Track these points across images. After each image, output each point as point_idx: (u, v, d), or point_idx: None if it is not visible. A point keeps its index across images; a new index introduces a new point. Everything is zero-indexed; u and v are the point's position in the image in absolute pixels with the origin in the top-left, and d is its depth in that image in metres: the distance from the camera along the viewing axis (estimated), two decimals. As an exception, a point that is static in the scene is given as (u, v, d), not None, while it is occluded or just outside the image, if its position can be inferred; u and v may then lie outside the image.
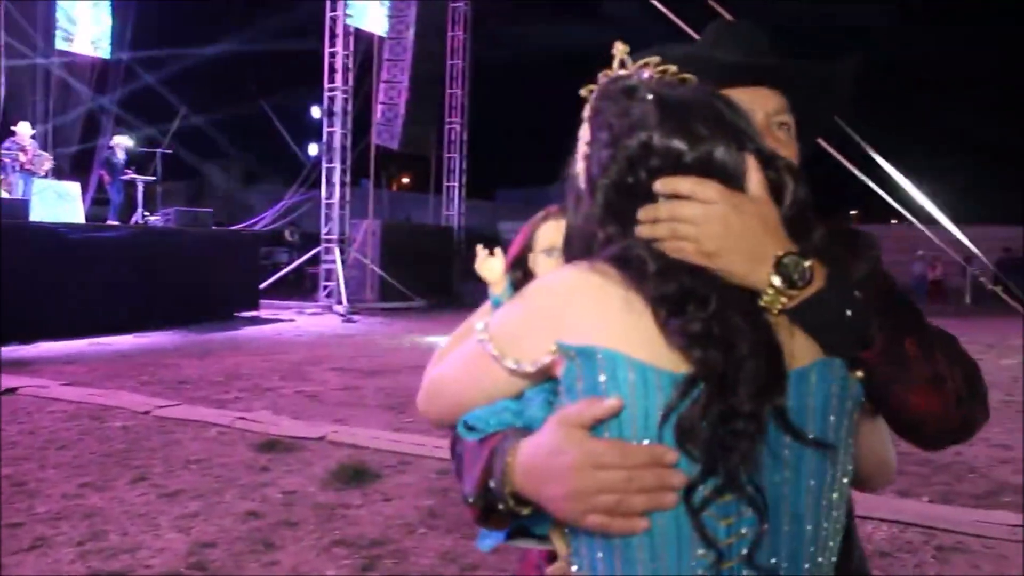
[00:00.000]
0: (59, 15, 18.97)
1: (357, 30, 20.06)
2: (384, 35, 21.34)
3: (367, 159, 21.25)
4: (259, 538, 4.37)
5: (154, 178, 18.19)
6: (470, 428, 1.14)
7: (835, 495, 1.04)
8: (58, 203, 14.23)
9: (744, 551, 0.98)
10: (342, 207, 19.37)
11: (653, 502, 0.95)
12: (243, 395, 8.36)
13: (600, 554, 1.01)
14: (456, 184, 23.29)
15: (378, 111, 21.22)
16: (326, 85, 19.27)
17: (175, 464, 5.69)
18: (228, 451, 6.07)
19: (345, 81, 19.29)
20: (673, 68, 1.08)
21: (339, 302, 18.09)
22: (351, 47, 19.52)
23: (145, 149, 18.91)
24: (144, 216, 16.88)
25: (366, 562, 4.10)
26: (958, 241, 9.10)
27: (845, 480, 1.06)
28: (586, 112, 1.09)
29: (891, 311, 1.08)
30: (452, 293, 21.14)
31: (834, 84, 1.37)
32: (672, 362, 0.96)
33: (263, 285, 18.02)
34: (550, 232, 1.32)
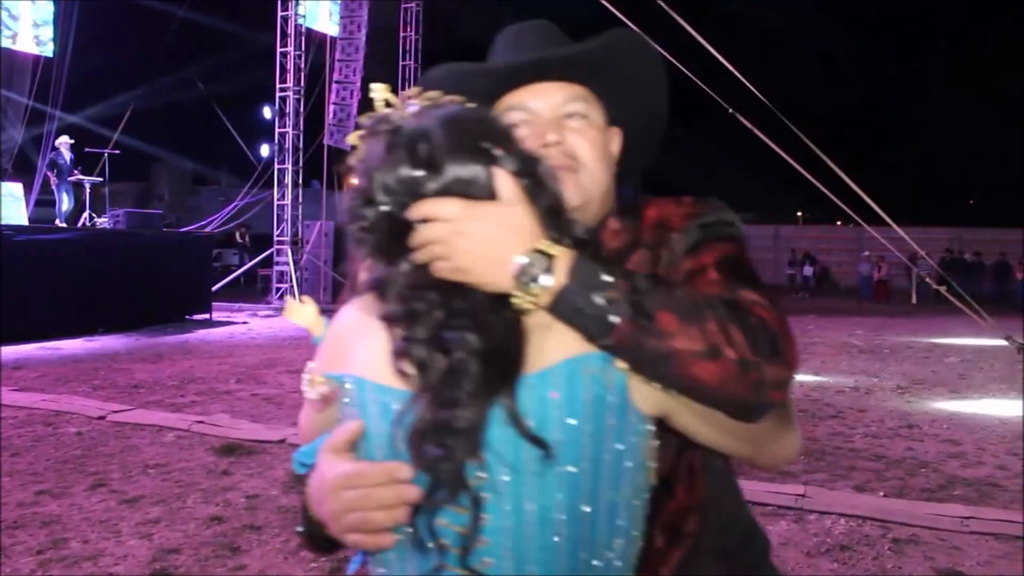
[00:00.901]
0: (0, 12, 18.49)
1: (309, 30, 19.91)
2: (336, 35, 21.19)
3: (319, 160, 21.10)
4: (224, 543, 4.33)
5: (101, 179, 17.82)
6: (303, 464, 1.19)
7: (602, 492, 1.03)
8: (0, 204, 13.87)
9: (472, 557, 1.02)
10: (294, 208, 19.22)
11: (392, 517, 1.01)
12: (199, 399, 8.24)
13: (368, 560, 1.13)
14: (409, 185, 23.16)
15: (330, 111, 21.07)
16: (278, 85, 19.09)
17: (133, 469, 5.60)
18: (187, 455, 5.99)
19: (297, 81, 19.13)
20: (436, 94, 1.10)
21: (293, 304, 17.87)
22: (303, 47, 19.36)
23: (92, 150, 18.51)
24: (91, 218, 16.53)
25: (334, 564, 4.09)
26: (903, 241, 9.33)
27: (618, 475, 1.04)
28: (350, 159, 1.11)
29: (665, 287, 1.04)
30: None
31: (615, 62, 1.33)
32: (406, 381, 1.02)
33: (215, 288, 17.75)
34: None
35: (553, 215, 1.05)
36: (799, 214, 45.63)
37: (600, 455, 1.02)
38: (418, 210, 1.01)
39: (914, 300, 23.34)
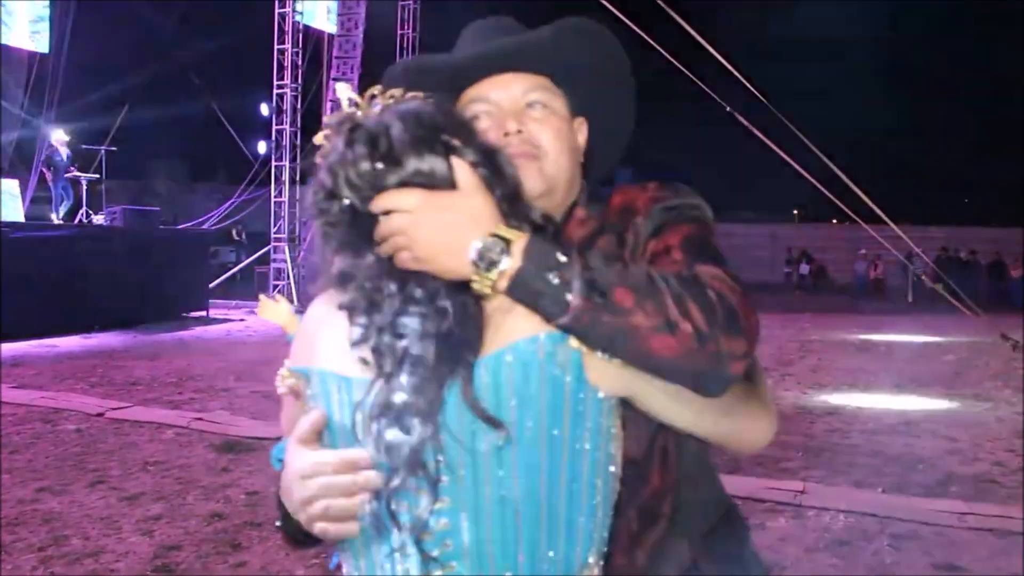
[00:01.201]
0: (-1, 8, 18.43)
1: (306, 27, 19.88)
2: (333, 32, 21.18)
3: (317, 157, 21.05)
4: (225, 539, 4.34)
5: (97, 176, 17.75)
6: (279, 460, 1.20)
7: (561, 472, 1.03)
8: (-5, 201, 13.86)
9: (444, 541, 1.03)
10: (292, 205, 19.18)
11: (354, 504, 1.02)
12: (198, 396, 8.24)
13: (336, 549, 1.13)
14: (406, 182, 23.17)
15: (327, 108, 21.06)
16: (275, 82, 19.06)
17: (133, 466, 5.61)
18: (187, 452, 5.99)
19: (294, 78, 19.11)
20: (398, 92, 1.12)
21: (289, 301, 17.85)
22: (300, 44, 19.34)
23: (88, 146, 18.45)
24: (88, 214, 16.49)
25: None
26: (899, 239, 9.35)
27: (577, 455, 1.04)
28: (316, 157, 1.13)
29: (622, 266, 1.05)
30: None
31: (569, 49, 1.33)
32: (364, 369, 1.04)
33: (212, 285, 17.74)
34: None
35: (512, 202, 1.07)
36: (795, 212, 45.69)
37: (556, 435, 1.03)
38: (379, 202, 1.03)
39: (910, 298, 23.39)
